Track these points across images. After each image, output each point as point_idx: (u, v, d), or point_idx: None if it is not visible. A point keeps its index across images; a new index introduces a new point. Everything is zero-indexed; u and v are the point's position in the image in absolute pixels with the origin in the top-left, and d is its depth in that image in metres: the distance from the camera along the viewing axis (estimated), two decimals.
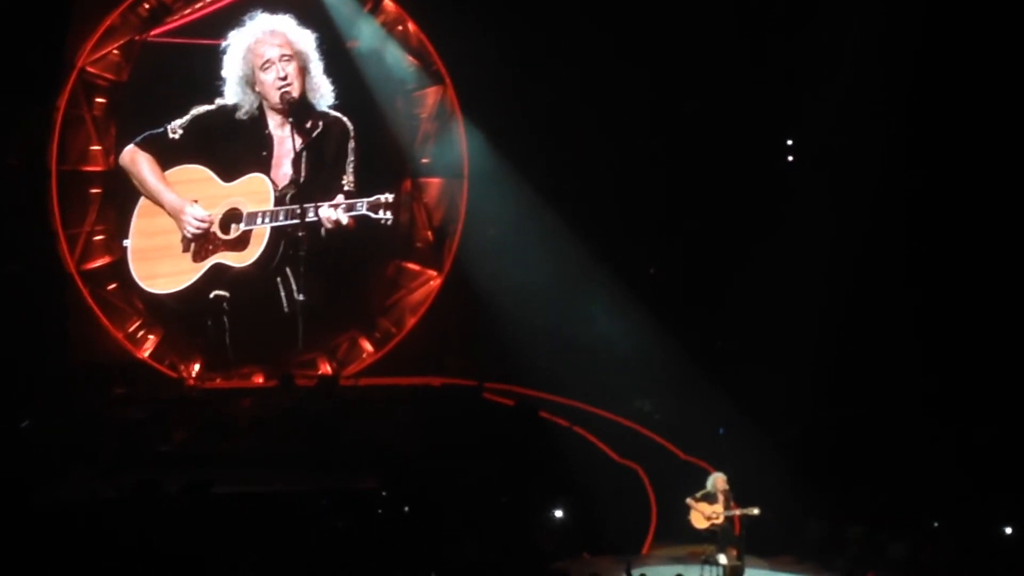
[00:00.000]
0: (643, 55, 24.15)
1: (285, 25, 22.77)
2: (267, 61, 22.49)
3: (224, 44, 22.60)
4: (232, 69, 22.57)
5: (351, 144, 23.06)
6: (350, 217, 22.13)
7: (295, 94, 22.48)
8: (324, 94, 23.07)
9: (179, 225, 22.38)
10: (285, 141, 22.68)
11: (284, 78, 22.41)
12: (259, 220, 22.41)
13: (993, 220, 22.98)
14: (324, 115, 23.04)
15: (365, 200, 22.09)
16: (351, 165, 22.97)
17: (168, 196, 22.41)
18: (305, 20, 22.89)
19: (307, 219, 22.17)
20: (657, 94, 24.36)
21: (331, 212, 22.12)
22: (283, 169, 22.69)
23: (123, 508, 17.92)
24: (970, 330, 22.99)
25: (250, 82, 22.54)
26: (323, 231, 22.37)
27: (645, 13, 24.01)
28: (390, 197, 22.09)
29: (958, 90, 22.96)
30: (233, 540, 17.44)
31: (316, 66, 23.01)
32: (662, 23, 23.98)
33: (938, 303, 23.15)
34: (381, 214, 21.99)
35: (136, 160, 22.44)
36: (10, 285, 21.78)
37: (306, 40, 22.92)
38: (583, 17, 23.74)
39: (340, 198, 22.30)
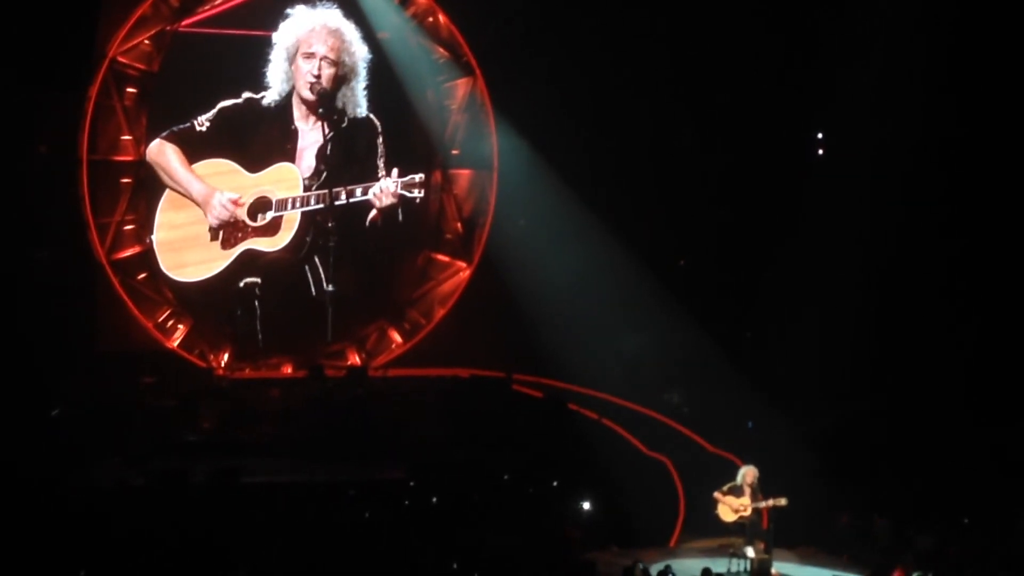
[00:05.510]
0: (676, 46, 24.14)
1: (347, 31, 22.76)
2: (311, 52, 22.46)
3: (289, 11, 22.57)
4: (283, 38, 22.52)
5: (380, 139, 23.08)
6: (395, 195, 22.13)
7: (324, 89, 22.42)
8: (358, 104, 23.06)
9: (206, 213, 22.37)
10: (309, 134, 22.67)
11: (317, 76, 22.34)
12: (289, 206, 22.43)
13: None
14: (353, 116, 23.07)
15: (400, 180, 22.08)
16: (381, 160, 22.99)
17: (197, 186, 22.38)
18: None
19: (337, 203, 22.17)
20: (688, 86, 24.32)
21: (387, 183, 22.10)
22: (307, 161, 22.66)
23: (151, 496, 18.03)
24: (1005, 324, 22.90)
25: (290, 58, 22.52)
26: (370, 215, 22.44)
27: (677, 3, 24.01)
28: (423, 176, 22.31)
29: (993, 81, 22.88)
30: (260, 529, 17.53)
31: (358, 82, 22.99)
32: (694, 13, 23.96)
33: (972, 296, 23.09)
34: (416, 192, 22.09)
35: (164, 152, 22.41)
36: (40, 273, 21.88)
37: (360, 55, 22.95)
38: (614, 8, 23.73)
39: (381, 183, 22.31)
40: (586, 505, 21.20)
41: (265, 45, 22.59)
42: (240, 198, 22.38)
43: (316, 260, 22.70)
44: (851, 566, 20.28)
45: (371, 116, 23.11)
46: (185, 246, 22.57)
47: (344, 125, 22.83)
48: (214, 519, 17.39)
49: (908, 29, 22.78)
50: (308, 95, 22.41)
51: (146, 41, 22.51)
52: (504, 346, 23.86)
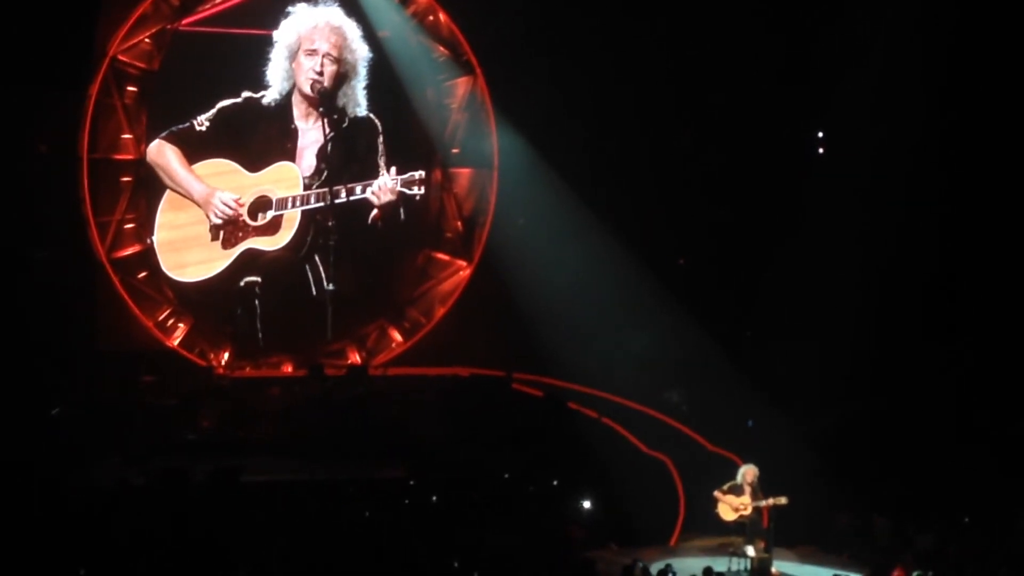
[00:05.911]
0: (675, 45, 24.14)
1: (349, 30, 22.72)
2: (314, 49, 22.43)
3: (290, 9, 22.56)
4: (285, 35, 22.50)
5: (380, 139, 23.05)
6: (394, 192, 22.05)
7: (325, 87, 22.41)
8: (358, 103, 23.03)
9: (207, 212, 22.36)
10: (309, 133, 22.65)
11: (320, 72, 22.30)
12: (290, 205, 22.40)
13: None
14: (353, 115, 23.05)
15: (399, 177, 22.04)
16: (382, 159, 22.96)
17: (197, 186, 22.36)
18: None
19: (337, 201, 22.11)
20: (688, 85, 24.32)
21: (386, 180, 22.05)
22: (307, 160, 22.61)
23: (151, 496, 18.01)
24: (1005, 324, 22.89)
25: (292, 55, 22.49)
26: (371, 215, 22.36)
27: (677, 3, 24.02)
28: (422, 173, 22.19)
29: (993, 81, 22.87)
30: (260, 528, 17.51)
31: (359, 81, 22.96)
32: (694, 13, 23.95)
33: (972, 296, 23.08)
34: (416, 190, 22.01)
35: (163, 152, 22.41)
36: (41, 272, 21.86)
37: (360, 53, 22.92)
38: (614, 8, 23.73)
39: (380, 180, 22.25)
40: (586, 504, 21.21)
41: (265, 44, 22.56)
42: (240, 198, 22.37)
43: (316, 259, 22.67)
44: (851, 565, 20.26)
45: (371, 115, 23.09)
46: (186, 246, 22.55)
47: (344, 124, 22.80)
48: (214, 519, 17.35)
49: (908, 30, 22.77)
50: (309, 92, 22.37)
51: (146, 40, 22.51)
52: (504, 345, 23.83)
